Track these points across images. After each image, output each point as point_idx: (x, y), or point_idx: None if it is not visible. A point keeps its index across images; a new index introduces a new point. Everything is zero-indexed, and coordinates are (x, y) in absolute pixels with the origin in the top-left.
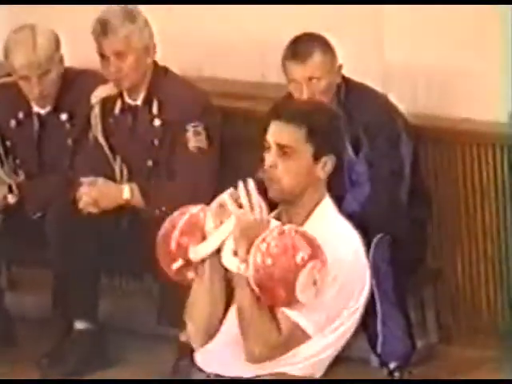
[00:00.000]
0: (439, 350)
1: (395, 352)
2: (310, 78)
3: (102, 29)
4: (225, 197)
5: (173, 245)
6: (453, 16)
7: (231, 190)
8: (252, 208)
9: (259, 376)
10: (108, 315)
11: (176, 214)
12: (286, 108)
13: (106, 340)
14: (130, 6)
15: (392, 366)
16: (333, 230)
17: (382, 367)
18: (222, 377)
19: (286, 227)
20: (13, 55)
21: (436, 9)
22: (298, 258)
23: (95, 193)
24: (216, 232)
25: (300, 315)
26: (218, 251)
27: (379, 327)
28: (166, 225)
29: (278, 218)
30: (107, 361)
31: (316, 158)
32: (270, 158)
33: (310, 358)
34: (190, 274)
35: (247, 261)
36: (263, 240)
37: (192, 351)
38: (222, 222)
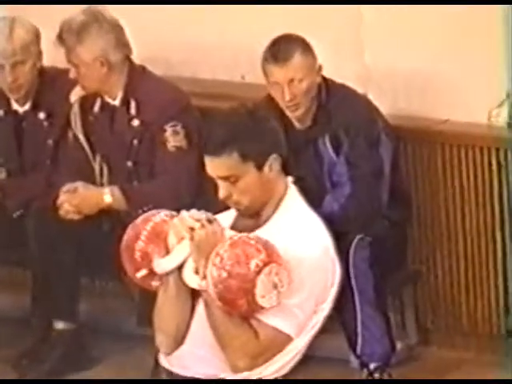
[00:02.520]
0: (418, 351)
1: (375, 353)
2: (292, 80)
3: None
4: (184, 214)
5: (137, 254)
6: (431, 17)
7: (193, 210)
8: (202, 225)
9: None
10: (88, 316)
11: (139, 221)
12: (209, 140)
13: (86, 340)
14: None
15: (372, 366)
16: (299, 225)
17: (361, 368)
18: (194, 380)
19: (237, 236)
20: None
21: (414, 11)
22: (252, 266)
23: (76, 200)
24: (178, 247)
25: (277, 319)
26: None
27: (359, 328)
28: (130, 232)
29: (242, 218)
30: (87, 361)
31: (259, 167)
32: (221, 190)
33: (294, 357)
34: (155, 283)
35: (206, 277)
36: (217, 254)
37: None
38: (183, 238)
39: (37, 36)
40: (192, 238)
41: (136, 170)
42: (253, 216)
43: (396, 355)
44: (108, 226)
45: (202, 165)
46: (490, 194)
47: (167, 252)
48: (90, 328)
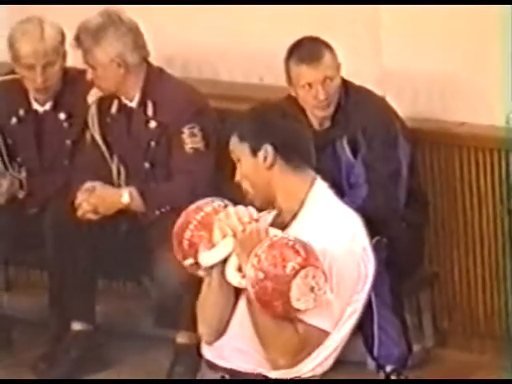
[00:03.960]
0: (435, 353)
1: (391, 355)
2: (325, 79)
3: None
4: (230, 210)
5: (185, 243)
6: (450, 20)
7: (239, 206)
8: (247, 222)
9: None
10: (105, 317)
11: (191, 209)
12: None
13: (103, 341)
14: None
15: (388, 369)
16: (327, 217)
17: (378, 370)
18: (234, 371)
19: (276, 237)
20: (19, 43)
21: (433, 13)
22: (289, 269)
23: (94, 199)
24: (222, 242)
25: (315, 315)
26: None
27: (375, 330)
28: (182, 219)
29: (276, 215)
30: (103, 362)
31: (254, 152)
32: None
33: (333, 352)
34: (201, 272)
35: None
36: (255, 254)
37: (189, 353)
38: (226, 235)
39: (63, 36)
40: (235, 235)
41: (153, 171)
42: (264, 208)
43: (413, 357)
44: (125, 227)
45: (220, 167)
46: (507, 197)
47: (213, 245)
48: (106, 329)
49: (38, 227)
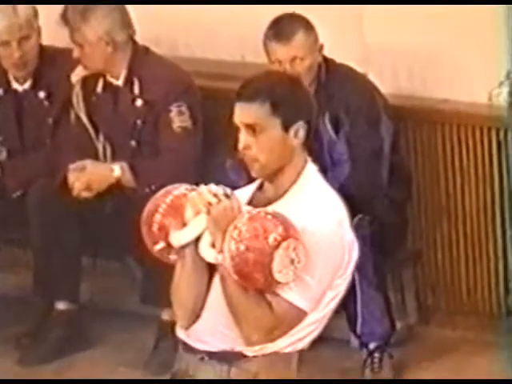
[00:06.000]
0: (418, 330)
1: (375, 333)
2: (294, 58)
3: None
4: (202, 188)
5: (155, 227)
6: None
7: (211, 185)
8: (219, 199)
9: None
10: (89, 295)
11: (159, 194)
12: (246, 87)
13: (87, 320)
14: None
15: (372, 346)
16: (316, 199)
17: (361, 348)
18: (212, 353)
19: (255, 211)
20: None
21: None
22: (271, 240)
23: (86, 177)
24: (194, 220)
25: (292, 293)
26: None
27: (359, 308)
28: (150, 205)
29: (260, 192)
30: (88, 341)
31: (286, 128)
32: (241, 139)
33: (311, 332)
34: (173, 257)
35: (223, 250)
36: (235, 227)
37: (173, 330)
38: (199, 212)
39: (35, 11)
40: (209, 212)
41: (139, 149)
42: (270, 180)
43: (396, 335)
44: (111, 206)
45: (208, 146)
46: (489, 174)
47: (184, 225)
48: (90, 307)
49: (22, 206)
